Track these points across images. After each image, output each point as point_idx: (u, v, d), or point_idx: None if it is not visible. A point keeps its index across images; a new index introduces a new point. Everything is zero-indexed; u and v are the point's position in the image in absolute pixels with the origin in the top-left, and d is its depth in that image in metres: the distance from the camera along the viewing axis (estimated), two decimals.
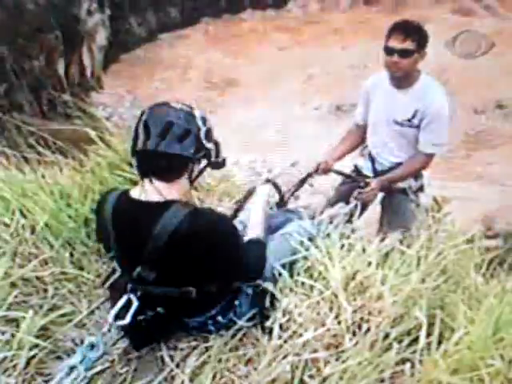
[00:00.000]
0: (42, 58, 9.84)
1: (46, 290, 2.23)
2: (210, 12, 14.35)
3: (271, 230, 2.24)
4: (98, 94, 11.42)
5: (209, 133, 1.87)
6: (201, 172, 1.96)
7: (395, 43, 2.68)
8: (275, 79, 11.83)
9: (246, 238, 2.01)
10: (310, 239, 2.11)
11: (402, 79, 2.81)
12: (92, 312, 2.19)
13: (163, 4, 13.77)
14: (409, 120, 2.84)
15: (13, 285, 2.17)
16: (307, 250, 2.05)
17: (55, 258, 2.34)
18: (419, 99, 2.79)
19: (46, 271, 2.27)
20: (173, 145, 1.77)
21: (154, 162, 1.79)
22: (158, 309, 1.91)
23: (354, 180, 3.14)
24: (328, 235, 2.14)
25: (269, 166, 8.46)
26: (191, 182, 1.92)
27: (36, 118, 8.96)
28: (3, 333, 1.96)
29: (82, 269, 2.35)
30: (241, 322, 1.95)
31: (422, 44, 2.69)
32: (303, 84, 11.80)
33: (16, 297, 2.12)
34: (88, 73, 11.46)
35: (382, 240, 2.11)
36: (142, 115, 1.84)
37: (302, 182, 3.02)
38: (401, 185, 3.00)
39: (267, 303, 1.96)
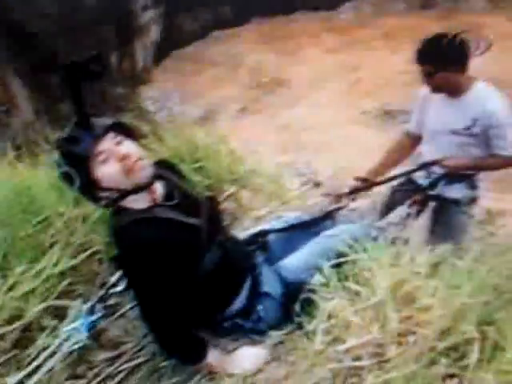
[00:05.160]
0: (95, 51, 10.06)
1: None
2: (263, 12, 14.38)
3: (316, 232, 2.21)
4: (147, 88, 11.60)
5: None
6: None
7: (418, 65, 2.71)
8: (323, 81, 11.71)
9: None
10: (358, 243, 2.04)
11: (449, 90, 2.76)
12: None
13: (215, 1, 13.88)
14: (468, 128, 2.74)
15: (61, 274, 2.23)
16: (355, 253, 1.99)
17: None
18: (476, 107, 2.69)
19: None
20: None
21: None
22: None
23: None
24: (377, 241, 2.08)
25: (312, 168, 8.40)
26: None
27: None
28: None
29: None
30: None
31: (445, 63, 2.64)
32: (351, 87, 11.65)
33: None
34: (139, 67, 11.65)
35: (432, 250, 2.05)
36: None
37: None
38: (454, 195, 2.92)
39: (297, 308, 1.90)
